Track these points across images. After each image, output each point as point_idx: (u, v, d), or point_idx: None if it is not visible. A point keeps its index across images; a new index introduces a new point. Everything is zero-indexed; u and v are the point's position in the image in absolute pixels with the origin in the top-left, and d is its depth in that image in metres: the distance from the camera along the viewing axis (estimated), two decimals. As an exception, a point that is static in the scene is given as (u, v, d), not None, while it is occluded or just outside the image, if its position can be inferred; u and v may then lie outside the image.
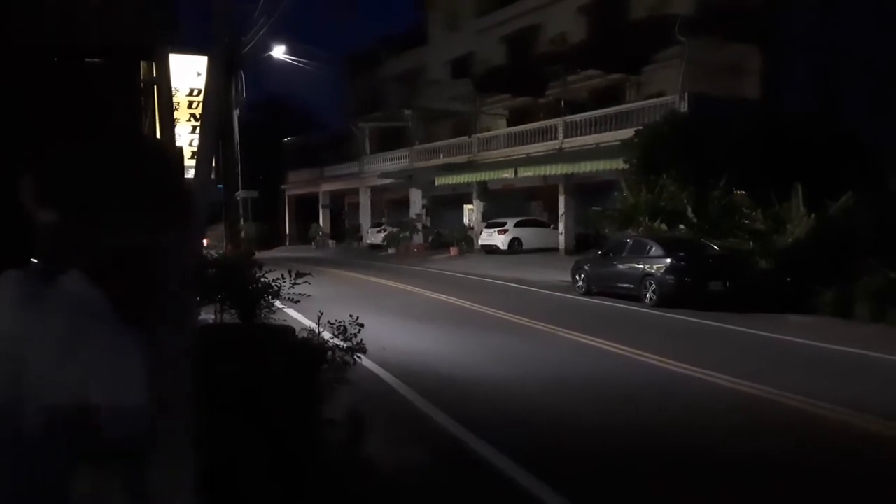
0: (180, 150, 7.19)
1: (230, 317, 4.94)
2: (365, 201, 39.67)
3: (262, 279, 4.26)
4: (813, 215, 15.10)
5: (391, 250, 32.55)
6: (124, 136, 1.83)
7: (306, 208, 44.10)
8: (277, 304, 4.66)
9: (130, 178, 1.49)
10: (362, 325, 4.03)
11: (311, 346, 3.71)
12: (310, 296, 4.79)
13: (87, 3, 3.83)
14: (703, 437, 5.77)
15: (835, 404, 6.48)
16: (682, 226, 17.10)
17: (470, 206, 32.97)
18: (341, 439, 3.41)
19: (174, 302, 2.12)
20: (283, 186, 44.64)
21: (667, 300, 13.62)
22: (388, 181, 36.22)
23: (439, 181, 31.50)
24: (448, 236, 31.36)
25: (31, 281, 1.30)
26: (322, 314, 4.04)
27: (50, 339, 1.22)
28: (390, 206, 39.90)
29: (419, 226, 33.72)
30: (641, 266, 14.58)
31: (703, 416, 6.34)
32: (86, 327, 1.26)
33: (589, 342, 9.91)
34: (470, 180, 30.31)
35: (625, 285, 14.92)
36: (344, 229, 40.78)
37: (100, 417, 1.18)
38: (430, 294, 16.14)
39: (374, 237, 35.61)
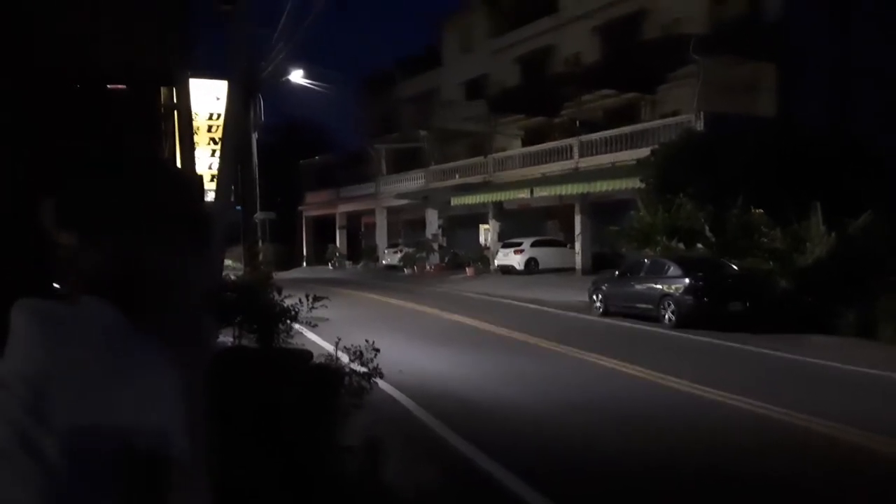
0: (200, 177, 7.27)
1: (248, 340, 4.95)
2: (381, 222, 39.82)
3: (281, 303, 4.27)
4: (833, 234, 14.91)
5: (407, 271, 32.56)
6: (145, 162, 1.83)
7: (323, 229, 44.34)
8: (296, 326, 4.65)
9: (151, 203, 1.50)
10: (378, 350, 4.01)
11: (327, 372, 3.69)
12: (327, 319, 4.79)
13: (109, 31, 3.89)
14: (725, 464, 5.65)
15: (865, 430, 6.33)
16: (699, 245, 16.96)
17: (486, 226, 32.97)
18: (358, 467, 3.38)
19: (192, 325, 2.12)
20: (300, 207, 44.95)
21: (686, 321, 13.47)
22: (404, 202, 36.35)
23: (455, 201, 31.56)
24: (464, 256, 31.33)
25: (51, 306, 1.31)
26: (340, 340, 4.02)
27: (79, 366, 1.22)
28: (406, 226, 40.01)
29: (435, 246, 33.74)
30: (660, 286, 14.45)
31: (725, 442, 6.22)
32: (113, 352, 1.26)
33: (607, 364, 9.81)
34: (486, 200, 30.33)
35: (643, 306, 14.79)
36: (360, 250, 40.91)
37: (135, 441, 1.18)
38: (447, 315, 16.09)
39: (390, 258, 35.66)
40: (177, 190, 1.59)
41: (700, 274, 14.13)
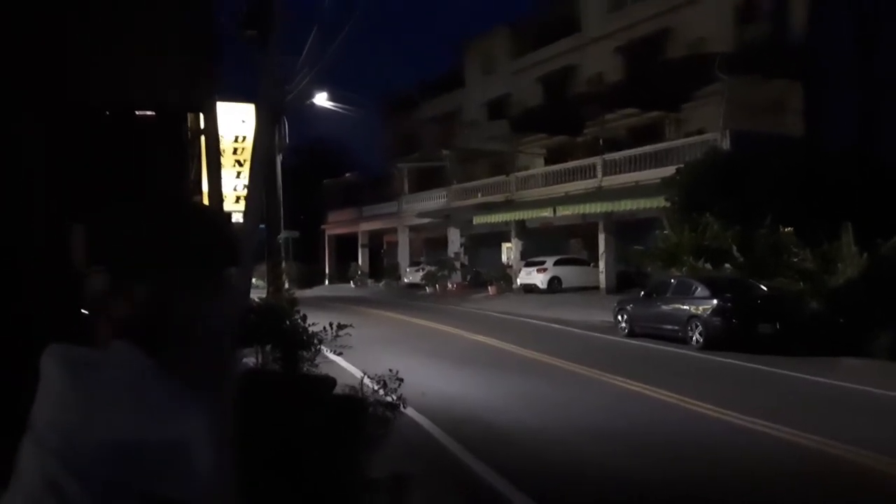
0: (229, 215, 7.38)
1: (272, 360, 4.92)
2: (403, 240, 39.90)
3: (306, 329, 4.24)
4: (865, 254, 14.60)
5: (429, 289, 32.53)
6: (177, 204, 1.81)
7: (345, 248, 44.56)
8: (322, 348, 4.62)
9: (183, 247, 1.48)
10: (402, 380, 3.96)
11: (352, 402, 3.64)
12: (351, 346, 4.75)
13: (139, 62, 3.93)
14: (757, 494, 5.49)
15: (900, 459, 6.12)
16: (727, 265, 16.71)
17: (508, 245, 32.87)
18: (381, 501, 3.32)
19: (218, 361, 2.07)
20: (322, 226, 45.25)
21: (714, 343, 13.24)
22: (426, 220, 36.42)
23: (477, 220, 31.53)
24: (486, 275, 31.23)
25: (82, 353, 1.29)
26: (364, 374, 3.98)
27: (109, 416, 1.21)
28: (428, 245, 40.05)
29: (457, 264, 33.69)
30: (687, 307, 14.23)
31: (756, 471, 6.05)
32: (145, 401, 1.24)
33: (633, 388, 9.64)
34: (508, 219, 30.27)
35: (669, 327, 14.57)
36: (382, 268, 40.99)
37: (164, 491, 1.16)
38: (469, 335, 16.00)
39: (412, 276, 35.67)
40: (209, 232, 1.56)
41: (728, 295, 13.90)
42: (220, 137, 10.04)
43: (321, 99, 21.13)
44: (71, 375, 1.22)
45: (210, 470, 1.22)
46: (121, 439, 1.18)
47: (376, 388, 3.88)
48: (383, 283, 38.13)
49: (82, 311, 1.37)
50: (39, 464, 1.18)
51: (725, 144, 21.17)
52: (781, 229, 16.32)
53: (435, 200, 36.26)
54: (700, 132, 23.70)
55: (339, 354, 4.76)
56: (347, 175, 46.58)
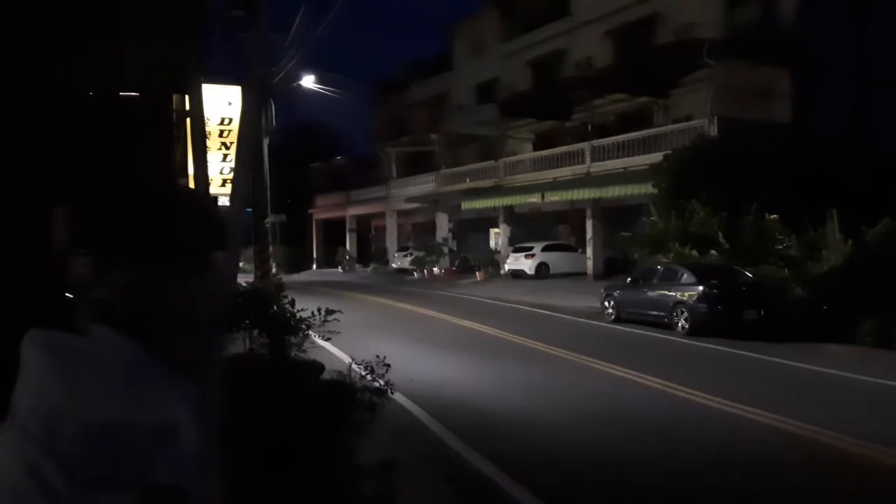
0: (215, 199, 7.32)
1: (259, 345, 4.89)
2: (391, 225, 39.83)
3: (293, 316, 4.22)
4: (850, 241, 14.73)
5: (417, 274, 32.53)
6: (164, 191, 1.77)
7: (333, 232, 44.43)
8: (310, 334, 4.61)
9: (168, 235, 1.45)
10: (389, 366, 3.95)
11: (340, 388, 3.63)
12: (339, 332, 4.73)
13: (124, 43, 3.86)
14: (742, 478, 5.55)
15: (883, 444, 6.20)
16: (713, 252, 16.80)
17: (496, 230, 32.90)
18: (372, 489, 3.31)
19: (205, 347, 2.04)
20: (310, 210, 45.05)
21: (699, 329, 13.34)
22: (414, 205, 36.34)
23: (465, 206, 31.50)
24: (474, 260, 31.27)
25: (63, 339, 1.27)
26: (353, 361, 3.97)
27: (91, 401, 1.19)
28: (416, 230, 40.01)
29: (445, 250, 33.70)
30: (673, 293, 14.32)
31: (741, 456, 6.11)
32: (127, 385, 1.23)
33: (621, 373, 9.70)
34: (496, 205, 30.26)
35: (655, 313, 14.67)
36: (370, 253, 40.95)
37: (149, 474, 1.15)
38: (457, 321, 16.02)
39: (400, 261, 35.65)
40: (194, 217, 1.53)
41: (714, 281, 13.99)
42: (206, 120, 9.93)
43: (308, 81, 20.95)
44: (52, 361, 1.20)
45: (196, 453, 1.21)
46: (105, 424, 1.16)
47: (364, 373, 3.87)
48: (371, 267, 38.09)
49: (66, 294, 1.35)
50: (21, 452, 1.15)
51: (713, 131, 21.23)
52: (767, 216, 16.41)
53: (423, 185, 36.17)
54: (688, 118, 23.74)
55: (328, 340, 4.75)
56: (336, 159, 46.33)
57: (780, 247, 15.83)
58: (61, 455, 1.15)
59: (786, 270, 15.10)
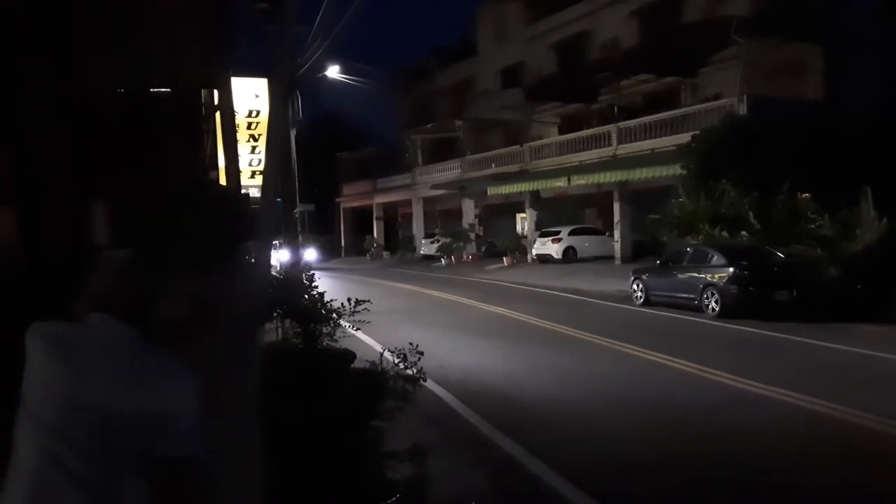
0: (246, 195, 7.42)
1: (292, 334, 4.97)
2: (418, 212, 39.92)
3: (323, 305, 4.29)
4: (885, 220, 14.42)
5: (444, 261, 32.61)
6: (202, 192, 1.84)
7: (360, 220, 44.68)
8: (342, 323, 4.69)
9: (205, 234, 1.51)
10: (422, 353, 4.01)
11: (371, 377, 3.70)
12: (369, 322, 4.80)
13: (153, 40, 3.93)
14: (782, 466, 5.49)
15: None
16: (744, 233, 16.58)
17: (523, 215, 32.78)
18: (403, 475, 3.37)
19: (241, 339, 2.11)
20: (337, 199, 45.34)
21: (730, 311, 13.20)
22: (440, 192, 36.35)
23: (491, 191, 31.44)
24: (501, 246, 31.23)
25: (65, 329, 1.34)
26: (385, 349, 4.03)
27: (100, 386, 1.26)
28: (443, 216, 40.05)
29: (472, 235, 33.70)
30: (703, 275, 14.18)
31: (779, 442, 6.03)
32: (130, 368, 1.30)
33: (651, 357, 9.67)
34: (522, 190, 30.14)
35: (685, 295, 14.54)
36: (397, 240, 41.14)
37: (157, 448, 1.24)
38: (486, 306, 16.07)
39: (427, 248, 35.75)
40: (229, 219, 1.59)
41: (745, 262, 13.82)
42: (235, 113, 10.03)
43: (334, 71, 21.02)
44: (57, 352, 1.28)
45: (198, 426, 1.28)
46: (112, 409, 1.23)
47: (396, 361, 3.93)
48: (399, 255, 38.26)
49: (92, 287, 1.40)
50: (36, 438, 1.23)
51: (742, 110, 20.85)
52: (799, 196, 16.13)
53: (449, 172, 36.14)
54: (717, 97, 23.35)
55: (357, 329, 4.83)
56: (361, 147, 46.49)
57: (812, 226, 15.56)
58: (75, 440, 1.22)
59: (819, 250, 14.85)
